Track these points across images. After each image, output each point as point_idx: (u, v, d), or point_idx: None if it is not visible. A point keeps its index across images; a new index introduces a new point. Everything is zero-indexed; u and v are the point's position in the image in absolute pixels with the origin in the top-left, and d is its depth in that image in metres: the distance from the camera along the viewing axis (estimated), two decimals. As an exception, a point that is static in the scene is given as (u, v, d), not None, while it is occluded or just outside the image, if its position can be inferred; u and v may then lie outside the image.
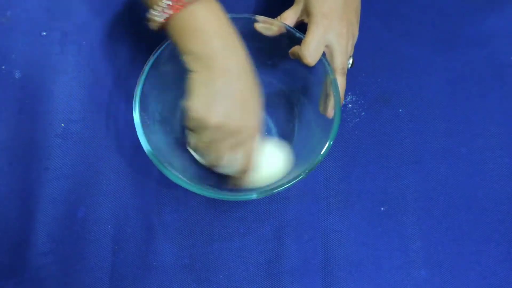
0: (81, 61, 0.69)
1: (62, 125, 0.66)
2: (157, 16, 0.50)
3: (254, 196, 0.54)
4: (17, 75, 0.68)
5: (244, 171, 0.56)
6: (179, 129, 0.62)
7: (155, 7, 0.49)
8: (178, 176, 0.55)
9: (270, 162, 0.60)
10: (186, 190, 0.55)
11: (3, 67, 0.69)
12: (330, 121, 0.57)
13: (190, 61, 0.50)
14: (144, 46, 0.69)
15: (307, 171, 0.54)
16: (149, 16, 0.51)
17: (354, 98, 0.68)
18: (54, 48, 0.69)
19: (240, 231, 0.63)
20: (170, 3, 0.49)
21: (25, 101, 0.67)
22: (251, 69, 0.52)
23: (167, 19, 0.50)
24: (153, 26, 0.51)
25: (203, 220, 0.63)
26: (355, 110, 0.68)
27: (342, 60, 0.58)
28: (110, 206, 0.63)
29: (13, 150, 0.65)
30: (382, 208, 0.64)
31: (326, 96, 0.58)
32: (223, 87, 0.50)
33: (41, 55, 0.69)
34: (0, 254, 0.61)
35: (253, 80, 0.52)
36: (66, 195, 0.63)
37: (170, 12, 0.49)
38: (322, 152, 0.55)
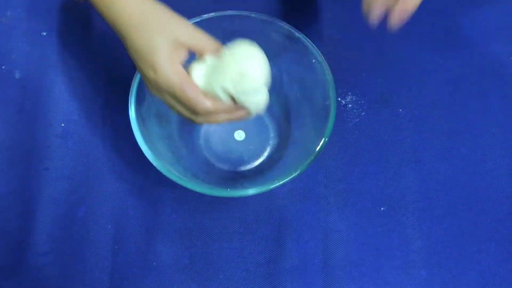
0: (81, 61, 0.69)
1: (62, 125, 0.66)
2: None
3: (250, 192, 0.54)
4: (17, 75, 0.68)
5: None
6: (176, 120, 0.63)
7: None
8: (171, 170, 0.55)
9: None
10: (186, 190, 0.55)
11: (3, 67, 0.69)
12: (326, 120, 0.57)
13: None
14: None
15: (299, 171, 0.54)
16: None
17: (354, 98, 0.68)
18: (54, 48, 0.70)
19: (240, 231, 0.63)
20: None
21: (25, 101, 0.67)
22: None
23: None
24: None
25: (203, 220, 0.63)
26: (355, 110, 0.68)
27: None
28: (110, 206, 0.63)
29: (13, 150, 0.65)
30: (382, 208, 0.64)
31: None
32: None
33: (41, 55, 0.69)
34: (0, 254, 0.61)
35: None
36: (66, 195, 0.63)
37: None
38: (317, 149, 0.55)
